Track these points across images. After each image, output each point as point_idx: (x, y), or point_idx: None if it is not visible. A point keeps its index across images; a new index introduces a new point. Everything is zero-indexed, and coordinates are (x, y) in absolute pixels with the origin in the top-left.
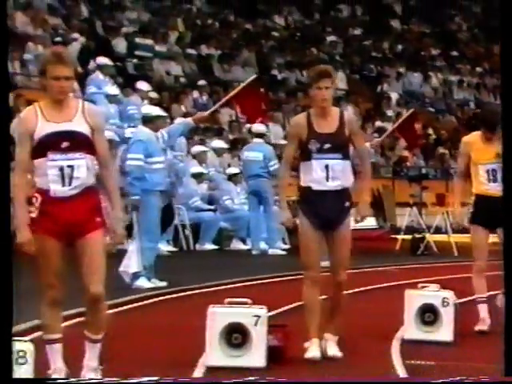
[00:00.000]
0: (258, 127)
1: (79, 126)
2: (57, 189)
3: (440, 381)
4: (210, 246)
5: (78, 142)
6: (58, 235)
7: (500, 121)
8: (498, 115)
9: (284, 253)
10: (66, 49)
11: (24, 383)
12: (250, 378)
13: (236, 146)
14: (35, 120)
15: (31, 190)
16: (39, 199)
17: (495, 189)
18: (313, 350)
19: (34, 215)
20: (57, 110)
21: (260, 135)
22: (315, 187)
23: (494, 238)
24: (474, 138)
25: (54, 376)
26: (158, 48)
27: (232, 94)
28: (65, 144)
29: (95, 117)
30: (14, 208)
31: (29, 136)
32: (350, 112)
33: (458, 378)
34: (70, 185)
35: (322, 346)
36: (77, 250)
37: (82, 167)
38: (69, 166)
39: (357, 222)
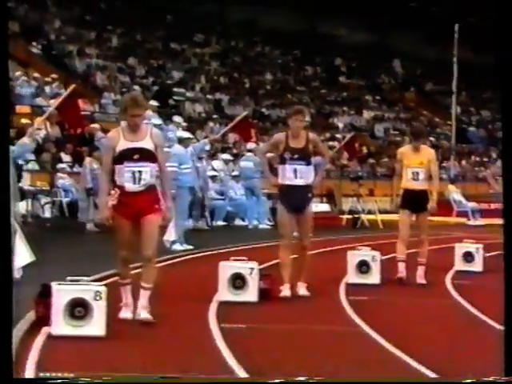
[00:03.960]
0: (249, 145)
1: (147, 144)
2: (130, 186)
3: (438, 381)
4: (221, 223)
5: (145, 155)
6: (129, 217)
7: (423, 135)
8: (421, 131)
9: (269, 227)
10: (140, 94)
11: (24, 383)
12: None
13: (237, 157)
14: (118, 138)
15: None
16: (118, 192)
17: (417, 185)
18: (285, 291)
19: (113, 203)
20: (133, 133)
21: (251, 150)
22: (287, 183)
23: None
24: (405, 149)
25: (123, 309)
26: (188, 94)
27: (231, 125)
28: (136, 156)
29: (158, 138)
30: (100, 196)
31: (112, 148)
32: (313, 134)
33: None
34: (138, 183)
35: (293, 289)
36: (140, 225)
37: (147, 172)
38: (138, 171)
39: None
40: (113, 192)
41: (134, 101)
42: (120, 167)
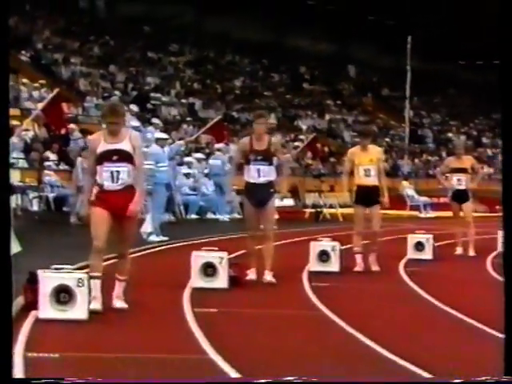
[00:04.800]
0: (218, 145)
1: (125, 146)
2: (108, 184)
3: (438, 381)
4: (194, 216)
5: (123, 157)
6: (106, 211)
7: (370, 135)
8: (368, 132)
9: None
10: (119, 104)
11: (24, 383)
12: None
13: (209, 156)
14: (99, 141)
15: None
16: (97, 190)
17: (369, 181)
18: (251, 275)
19: (93, 199)
20: (113, 136)
21: (220, 150)
22: (251, 181)
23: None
24: (355, 149)
25: (92, 302)
26: (164, 99)
27: (205, 127)
28: (115, 157)
29: (136, 141)
30: (83, 193)
31: (94, 150)
32: (276, 137)
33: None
34: (116, 182)
35: (260, 276)
36: (118, 223)
37: (125, 172)
38: (117, 171)
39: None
40: (94, 191)
41: (111, 110)
42: (100, 167)
